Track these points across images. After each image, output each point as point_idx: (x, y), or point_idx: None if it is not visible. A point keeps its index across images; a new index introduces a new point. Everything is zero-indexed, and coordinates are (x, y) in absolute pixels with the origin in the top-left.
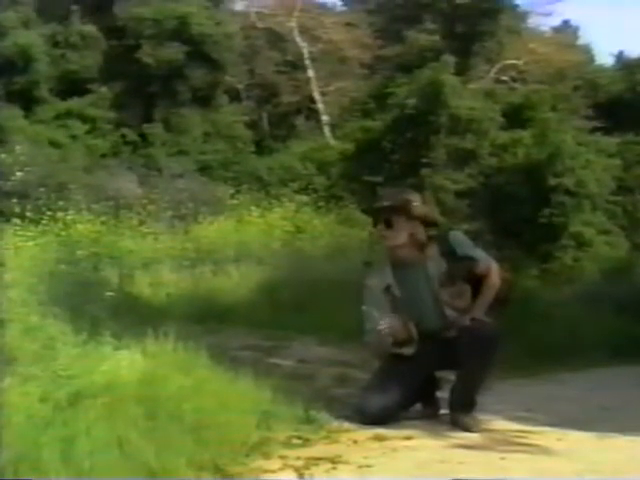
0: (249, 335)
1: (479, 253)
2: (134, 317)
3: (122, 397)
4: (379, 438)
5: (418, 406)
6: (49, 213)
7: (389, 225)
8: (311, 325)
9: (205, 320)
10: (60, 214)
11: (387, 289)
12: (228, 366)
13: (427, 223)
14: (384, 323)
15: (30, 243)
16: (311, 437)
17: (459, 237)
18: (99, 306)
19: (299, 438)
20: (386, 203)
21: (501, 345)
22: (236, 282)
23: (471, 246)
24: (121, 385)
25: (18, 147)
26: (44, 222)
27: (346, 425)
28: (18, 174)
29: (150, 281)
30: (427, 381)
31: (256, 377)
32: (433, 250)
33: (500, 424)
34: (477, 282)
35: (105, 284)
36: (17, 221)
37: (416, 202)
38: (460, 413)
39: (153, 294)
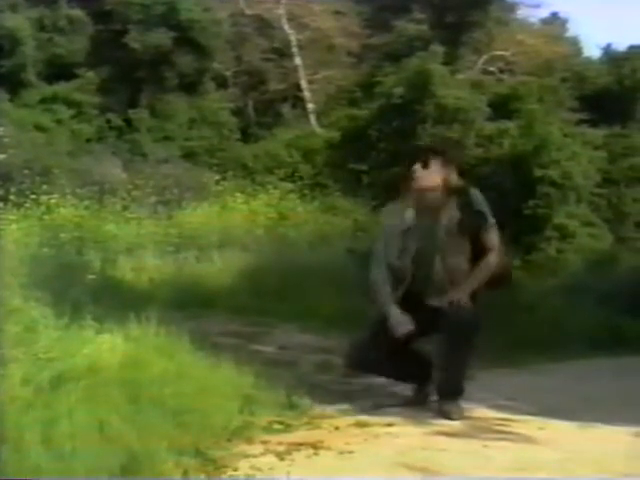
0: (231, 321)
1: (492, 219)
2: (116, 301)
3: (104, 380)
4: (361, 424)
5: (410, 389)
6: (32, 197)
7: (425, 166)
8: (293, 312)
9: (187, 306)
10: (44, 198)
11: (406, 231)
12: (210, 351)
13: (459, 171)
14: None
15: (13, 226)
16: (293, 423)
17: (478, 195)
18: (81, 290)
19: (281, 423)
20: (425, 144)
21: (481, 329)
22: (219, 268)
23: (487, 208)
24: (103, 368)
25: (1, 129)
26: (27, 206)
27: (328, 411)
28: (1, 156)
29: (133, 266)
30: (422, 363)
31: (238, 363)
32: (452, 202)
33: (482, 412)
34: (479, 252)
35: (88, 268)
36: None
37: (454, 146)
38: (444, 400)
39: (136, 279)
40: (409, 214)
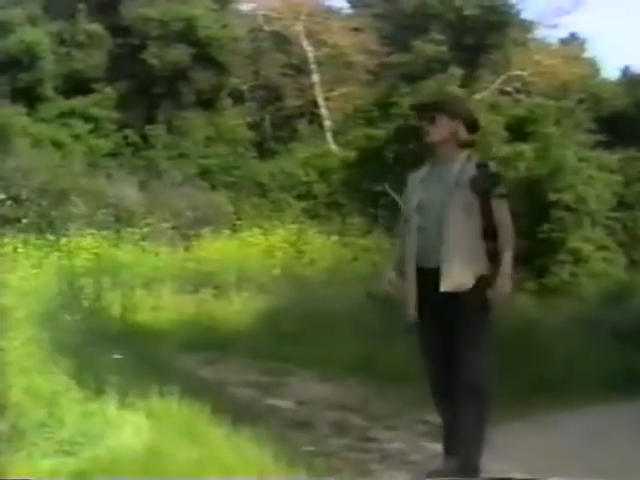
0: (249, 367)
1: (505, 189)
2: (137, 347)
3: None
4: None
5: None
6: (51, 238)
7: (432, 121)
8: (311, 358)
9: (206, 349)
10: (63, 240)
11: (419, 182)
12: (230, 419)
13: (469, 126)
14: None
15: (32, 271)
16: None
17: (498, 169)
18: (104, 356)
19: None
20: (431, 100)
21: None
22: (237, 309)
23: (504, 181)
24: (126, 461)
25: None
26: (47, 249)
27: None
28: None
29: (152, 304)
30: (452, 420)
31: (257, 430)
32: (467, 154)
33: None
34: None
35: (108, 317)
36: (19, 246)
37: (460, 102)
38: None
39: (155, 320)
40: (425, 168)
